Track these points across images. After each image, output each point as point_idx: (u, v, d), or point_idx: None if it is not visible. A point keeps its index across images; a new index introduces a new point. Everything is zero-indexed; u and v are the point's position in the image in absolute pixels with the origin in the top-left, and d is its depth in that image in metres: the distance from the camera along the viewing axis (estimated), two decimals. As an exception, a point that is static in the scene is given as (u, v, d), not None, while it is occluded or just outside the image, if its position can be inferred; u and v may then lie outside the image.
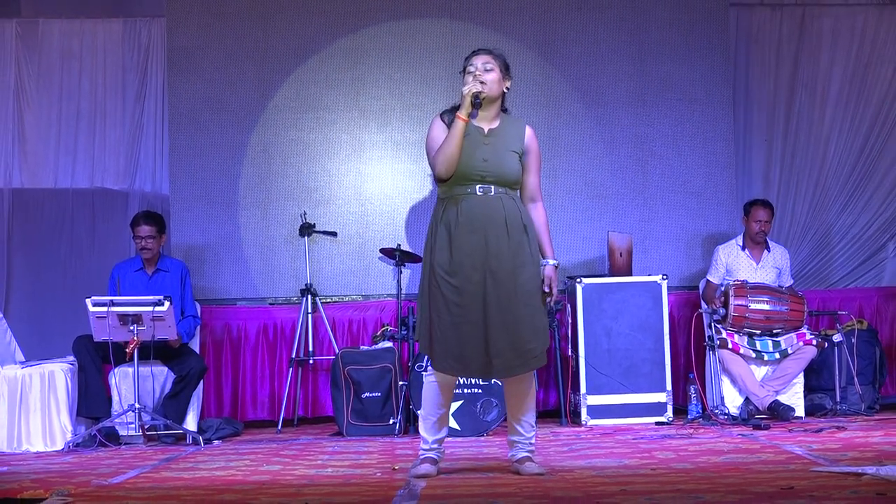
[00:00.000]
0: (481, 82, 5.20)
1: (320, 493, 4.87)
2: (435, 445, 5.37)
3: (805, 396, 8.07)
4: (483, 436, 7.35)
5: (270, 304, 8.79)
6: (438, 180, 5.26)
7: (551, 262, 5.31)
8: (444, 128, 5.26)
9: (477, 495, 4.68)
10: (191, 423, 7.68)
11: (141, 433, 7.32)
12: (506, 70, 5.33)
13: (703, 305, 8.32)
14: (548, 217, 5.43)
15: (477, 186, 5.21)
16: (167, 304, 7.26)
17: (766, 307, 7.93)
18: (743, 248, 8.33)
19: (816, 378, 8.23)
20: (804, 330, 8.02)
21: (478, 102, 5.20)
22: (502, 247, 5.17)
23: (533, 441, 5.38)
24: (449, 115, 5.27)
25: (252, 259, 8.82)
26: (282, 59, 8.89)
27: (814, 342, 7.97)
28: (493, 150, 5.25)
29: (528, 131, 5.36)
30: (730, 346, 7.90)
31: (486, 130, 5.28)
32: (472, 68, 5.26)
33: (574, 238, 8.88)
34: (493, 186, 5.22)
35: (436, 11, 8.94)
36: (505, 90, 5.34)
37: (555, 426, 7.88)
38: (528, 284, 5.20)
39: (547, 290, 5.27)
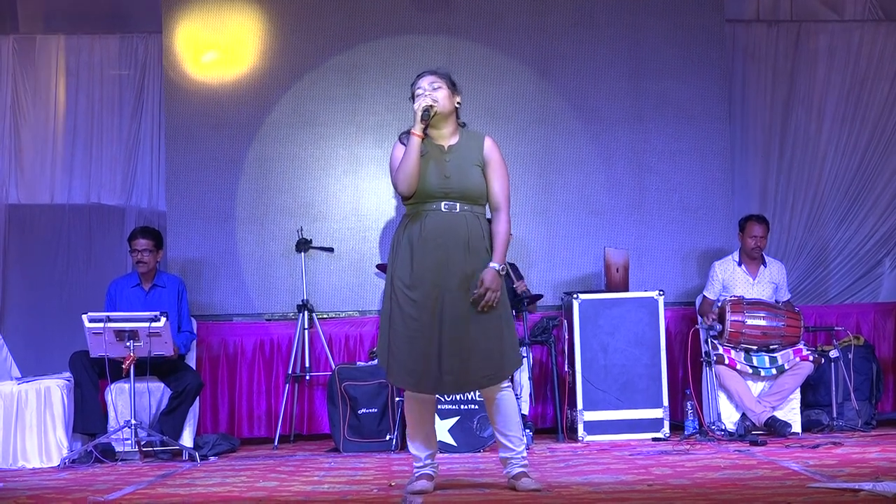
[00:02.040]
0: (433, 99, 5.23)
1: (317, 510, 4.87)
2: (428, 461, 5.37)
3: (802, 412, 8.06)
4: (479, 452, 7.34)
5: (267, 319, 8.78)
6: (403, 199, 5.30)
7: (494, 265, 5.18)
8: (403, 148, 5.28)
9: (473, 512, 4.68)
10: (187, 439, 7.67)
11: (137, 449, 7.30)
12: (453, 86, 5.36)
13: (700, 321, 8.32)
14: (510, 228, 5.30)
15: (442, 203, 5.23)
16: (164, 319, 7.25)
17: (762, 323, 7.93)
18: (739, 264, 8.33)
19: (813, 394, 8.23)
20: (801, 346, 8.02)
21: (427, 115, 5.21)
22: (461, 265, 5.18)
23: (525, 455, 5.37)
24: (406, 136, 5.29)
25: (249, 275, 8.80)
26: (279, 74, 8.90)
27: (810, 358, 7.97)
28: (455, 166, 5.27)
29: (488, 142, 5.36)
30: (726, 361, 7.90)
31: (445, 147, 5.31)
32: (420, 91, 5.29)
33: (570, 254, 8.88)
34: (457, 203, 5.24)
35: (432, 28, 8.94)
36: (457, 105, 5.37)
37: (551, 442, 7.86)
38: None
39: (475, 291, 5.12)
